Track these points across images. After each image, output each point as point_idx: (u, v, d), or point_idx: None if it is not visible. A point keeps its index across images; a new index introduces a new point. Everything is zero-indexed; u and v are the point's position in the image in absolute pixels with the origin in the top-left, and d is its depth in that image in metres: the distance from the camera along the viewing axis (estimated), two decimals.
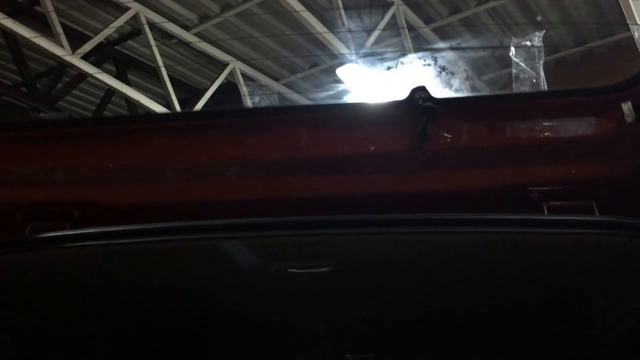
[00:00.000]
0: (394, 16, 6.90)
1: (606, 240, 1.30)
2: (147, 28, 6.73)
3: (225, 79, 7.71)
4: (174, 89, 7.32)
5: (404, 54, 6.68)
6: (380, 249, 1.44)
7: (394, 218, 1.34)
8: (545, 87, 3.92)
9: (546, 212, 1.42)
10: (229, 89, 7.77)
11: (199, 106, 7.46)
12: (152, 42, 6.76)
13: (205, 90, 7.77)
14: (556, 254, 1.40)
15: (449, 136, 1.47)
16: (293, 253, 1.45)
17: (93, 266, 1.52)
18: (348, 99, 7.35)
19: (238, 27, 7.22)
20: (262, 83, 8.00)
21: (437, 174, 1.52)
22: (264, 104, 7.77)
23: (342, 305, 1.68)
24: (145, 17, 6.70)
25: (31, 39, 5.92)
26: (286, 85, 8.37)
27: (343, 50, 6.86)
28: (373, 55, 6.82)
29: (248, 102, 7.64)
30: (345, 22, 6.57)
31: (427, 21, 7.27)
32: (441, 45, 7.04)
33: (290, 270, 1.43)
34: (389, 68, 6.54)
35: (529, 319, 1.69)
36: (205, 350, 1.91)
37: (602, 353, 1.69)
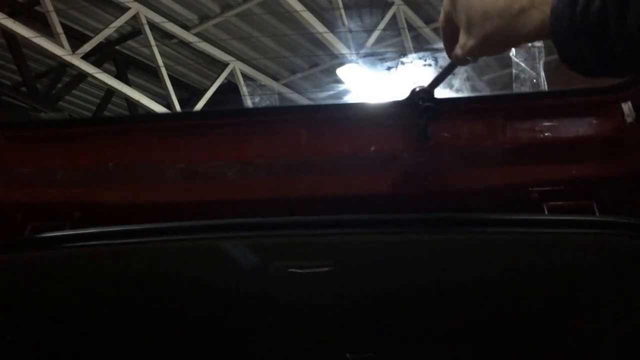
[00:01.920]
0: (394, 16, 6.90)
1: (606, 240, 1.30)
2: (147, 28, 6.74)
3: (225, 79, 7.71)
4: (174, 89, 7.32)
5: (404, 54, 6.68)
6: (381, 249, 1.44)
7: (394, 218, 1.34)
8: (546, 87, 3.92)
9: (546, 212, 1.41)
10: (229, 89, 7.78)
11: (199, 106, 7.47)
12: (152, 42, 6.77)
13: (205, 90, 7.78)
14: (556, 254, 1.40)
15: (449, 136, 1.47)
16: (293, 253, 1.45)
17: (93, 266, 1.52)
18: (348, 99, 7.35)
19: (238, 27, 7.23)
20: (262, 83, 8.00)
21: (437, 174, 1.52)
22: (264, 104, 7.78)
23: (342, 305, 1.68)
24: (145, 17, 6.70)
25: (31, 39, 5.93)
26: (286, 85, 8.37)
27: (343, 50, 6.86)
28: (373, 56, 6.83)
29: (248, 102, 7.64)
30: (346, 22, 6.58)
31: (427, 21, 7.27)
32: (441, 45, 7.03)
33: (290, 270, 1.43)
34: (389, 68, 6.55)
35: (529, 319, 1.69)
36: (205, 350, 1.91)
37: (602, 353, 1.69)
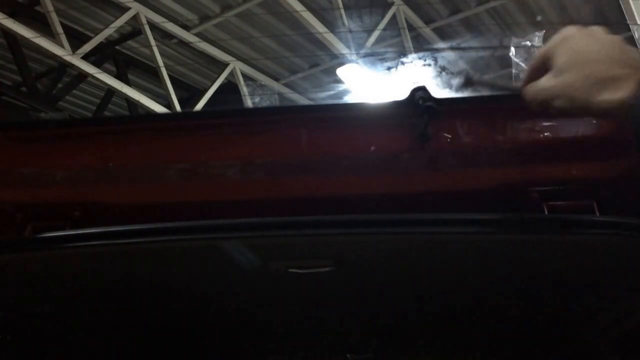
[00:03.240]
0: (394, 16, 6.90)
1: (606, 240, 1.30)
2: (147, 28, 6.73)
3: (225, 79, 7.71)
4: (174, 89, 7.31)
5: (404, 54, 6.68)
6: (381, 249, 1.44)
7: (394, 218, 1.34)
8: None
9: (546, 212, 1.42)
10: (229, 89, 7.77)
11: (199, 106, 7.46)
12: (152, 42, 6.77)
13: (206, 90, 7.77)
14: (556, 254, 1.40)
15: (449, 136, 1.47)
16: (293, 253, 1.45)
17: (93, 266, 1.52)
18: (348, 99, 7.35)
19: (238, 27, 7.22)
20: (262, 83, 7.99)
21: (437, 174, 1.52)
22: (264, 104, 7.77)
23: (342, 305, 1.68)
24: (146, 17, 6.70)
25: (31, 39, 5.93)
26: (286, 85, 8.37)
27: (343, 50, 6.86)
28: (373, 56, 6.83)
29: (248, 102, 7.64)
30: (346, 22, 6.58)
31: (427, 21, 7.27)
32: (441, 45, 7.04)
33: (290, 270, 1.43)
34: (389, 68, 6.54)
35: (529, 319, 1.69)
36: (205, 350, 1.91)
37: (602, 353, 1.69)
